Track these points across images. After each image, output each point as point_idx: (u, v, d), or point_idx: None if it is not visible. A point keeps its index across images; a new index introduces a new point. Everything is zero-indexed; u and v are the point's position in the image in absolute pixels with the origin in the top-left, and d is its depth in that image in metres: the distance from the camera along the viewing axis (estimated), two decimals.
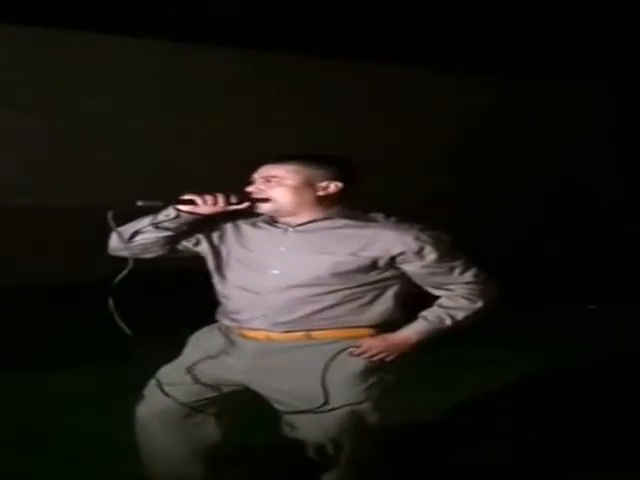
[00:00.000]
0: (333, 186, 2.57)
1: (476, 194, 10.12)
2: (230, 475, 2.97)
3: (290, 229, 2.60)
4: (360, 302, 2.59)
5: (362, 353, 2.60)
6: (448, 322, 2.63)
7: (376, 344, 2.60)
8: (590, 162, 10.96)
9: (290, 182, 2.54)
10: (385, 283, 2.60)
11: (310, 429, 2.66)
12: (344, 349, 2.59)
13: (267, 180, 2.56)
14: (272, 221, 2.63)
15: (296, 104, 8.91)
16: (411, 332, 2.63)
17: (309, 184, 2.56)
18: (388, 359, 2.62)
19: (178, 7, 7.82)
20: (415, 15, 8.81)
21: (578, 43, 9.52)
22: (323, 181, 2.57)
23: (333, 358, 2.58)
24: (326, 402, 2.58)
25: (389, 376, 2.67)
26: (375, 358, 2.60)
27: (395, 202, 3.78)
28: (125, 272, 2.49)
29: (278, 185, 2.55)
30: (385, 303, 2.63)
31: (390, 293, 2.63)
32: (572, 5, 9.07)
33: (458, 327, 2.66)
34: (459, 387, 4.47)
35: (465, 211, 9.80)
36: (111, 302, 2.49)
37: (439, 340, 4.45)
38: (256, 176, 2.60)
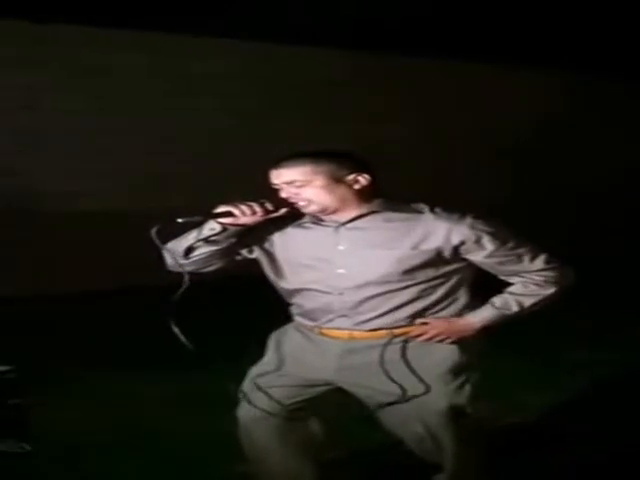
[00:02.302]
0: (362, 179, 2.54)
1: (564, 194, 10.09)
2: (338, 477, 3.04)
3: (341, 227, 2.58)
4: (436, 296, 2.60)
5: (424, 333, 2.61)
6: (515, 308, 2.64)
7: (439, 326, 2.61)
8: None
9: (319, 182, 2.51)
10: (457, 276, 2.61)
11: (411, 428, 2.70)
12: (396, 335, 2.60)
13: (294, 185, 2.53)
14: (318, 220, 2.61)
15: (391, 104, 9.01)
16: (477, 318, 2.64)
17: (338, 180, 2.53)
18: (448, 342, 2.62)
19: (278, 9, 7.88)
20: (500, 13, 8.78)
21: None
22: (349, 175, 2.53)
23: (387, 343, 2.59)
24: (427, 391, 2.60)
25: (477, 374, 2.68)
26: (436, 340, 2.61)
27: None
28: (183, 289, 2.49)
29: (309, 187, 2.52)
30: (461, 296, 2.65)
31: (464, 286, 2.64)
32: None
33: (526, 313, 2.67)
34: (555, 389, 4.48)
35: (556, 210, 9.83)
36: (172, 320, 2.50)
37: (536, 343, 4.56)
38: (278, 182, 2.56)
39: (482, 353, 2.74)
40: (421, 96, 9.25)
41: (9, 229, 7.09)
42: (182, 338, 2.53)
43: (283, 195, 2.57)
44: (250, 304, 5.76)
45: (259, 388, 2.73)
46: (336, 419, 2.90)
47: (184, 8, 7.36)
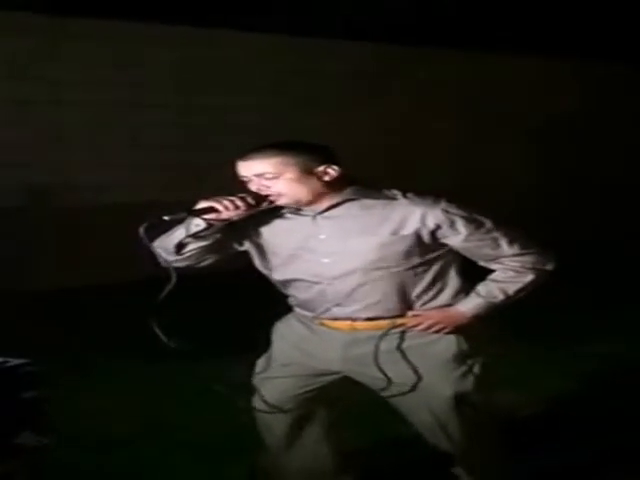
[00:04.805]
0: (332, 170, 2.54)
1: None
2: (359, 468, 3.06)
3: (317, 216, 2.58)
4: (426, 282, 2.60)
5: (418, 324, 2.63)
6: (501, 297, 2.65)
7: (434, 317, 2.62)
8: None
9: (289, 175, 2.50)
10: (442, 261, 2.61)
11: (421, 416, 2.73)
12: (397, 325, 2.62)
13: (264, 177, 2.52)
14: (296, 210, 2.61)
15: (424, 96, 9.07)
16: (466, 307, 2.65)
17: (308, 172, 2.52)
18: (444, 331, 2.64)
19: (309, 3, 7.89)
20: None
21: None
22: (319, 167, 2.52)
23: (383, 335, 2.61)
24: (419, 380, 2.64)
25: (481, 362, 2.69)
26: (431, 330, 2.63)
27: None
28: (169, 287, 2.49)
29: (280, 179, 2.50)
30: (452, 281, 2.65)
31: (453, 271, 2.65)
32: None
33: (513, 300, 2.67)
34: (575, 379, 4.53)
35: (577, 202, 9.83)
36: (155, 319, 2.52)
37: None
38: (247, 174, 2.55)
39: (489, 341, 2.75)
40: (445, 86, 9.22)
41: (32, 222, 7.14)
42: (163, 337, 2.54)
43: (252, 188, 2.55)
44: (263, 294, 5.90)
45: (268, 380, 2.77)
46: (353, 408, 2.91)
47: (210, 2, 7.38)
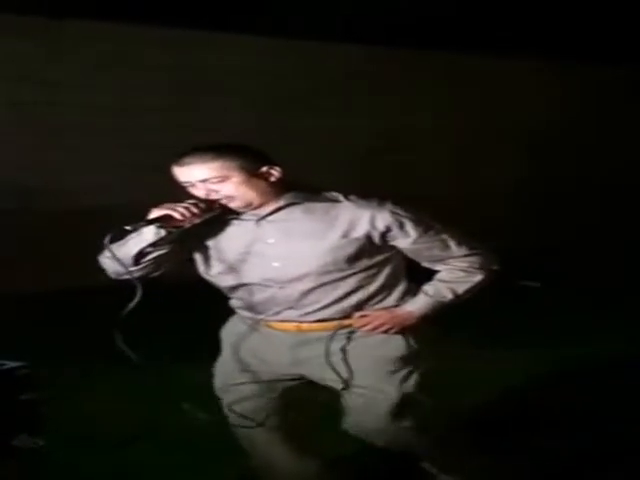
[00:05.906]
0: (275, 171, 2.52)
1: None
2: (343, 473, 3.08)
3: (262, 220, 2.55)
4: (377, 285, 2.61)
5: (366, 324, 2.62)
6: (450, 296, 2.66)
7: (382, 317, 2.62)
8: None
9: (236, 178, 2.47)
10: (393, 263, 2.62)
11: (371, 416, 2.69)
12: (344, 326, 2.62)
13: (210, 182, 2.49)
14: (237, 214, 2.58)
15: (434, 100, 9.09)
16: (413, 307, 2.65)
17: (253, 174, 2.49)
18: (391, 332, 2.64)
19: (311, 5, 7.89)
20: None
21: None
22: (262, 168, 2.51)
23: (333, 335, 2.61)
24: (349, 380, 2.63)
25: (427, 363, 2.70)
26: (378, 330, 2.62)
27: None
28: (135, 302, 2.47)
29: (228, 183, 2.48)
30: (400, 282, 2.67)
31: (402, 272, 2.67)
32: None
33: (461, 300, 2.68)
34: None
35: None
36: (117, 331, 2.50)
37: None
38: (191, 180, 2.52)
39: (435, 342, 2.76)
40: (445, 88, 9.24)
41: (27, 225, 7.14)
42: (129, 352, 2.54)
43: (199, 193, 2.51)
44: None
45: (228, 387, 2.76)
46: (333, 412, 2.90)
47: (209, 4, 7.38)
